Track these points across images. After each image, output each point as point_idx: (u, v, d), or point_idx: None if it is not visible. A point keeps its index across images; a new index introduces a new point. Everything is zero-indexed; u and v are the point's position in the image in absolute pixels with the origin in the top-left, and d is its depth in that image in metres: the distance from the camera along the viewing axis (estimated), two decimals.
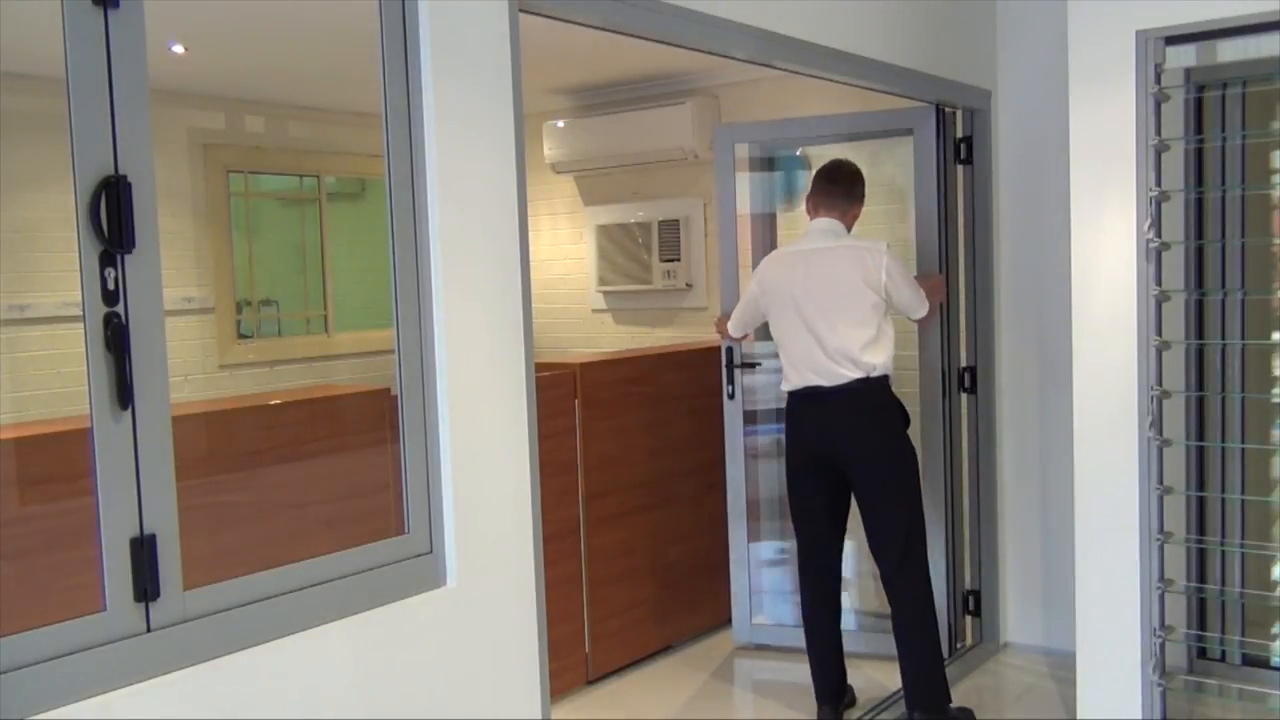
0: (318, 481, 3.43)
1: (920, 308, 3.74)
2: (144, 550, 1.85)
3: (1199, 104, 3.86)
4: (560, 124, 6.29)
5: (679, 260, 6.21)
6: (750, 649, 4.67)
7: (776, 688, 4.35)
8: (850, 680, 3.93)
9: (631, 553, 4.49)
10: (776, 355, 3.88)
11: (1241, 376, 3.90)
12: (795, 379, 3.69)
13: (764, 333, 4.05)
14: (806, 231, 3.81)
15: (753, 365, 4.61)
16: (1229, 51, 3.69)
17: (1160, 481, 3.29)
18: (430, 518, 2.34)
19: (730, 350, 4.53)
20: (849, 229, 3.77)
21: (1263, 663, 3.93)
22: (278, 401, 4.11)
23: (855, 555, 4.38)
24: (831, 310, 3.60)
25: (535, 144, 6.19)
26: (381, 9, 2.25)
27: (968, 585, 4.54)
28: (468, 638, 2.38)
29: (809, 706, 3.88)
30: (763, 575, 4.75)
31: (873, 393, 3.59)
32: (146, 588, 1.86)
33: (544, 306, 6.35)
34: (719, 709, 4.18)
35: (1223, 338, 3.91)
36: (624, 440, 4.46)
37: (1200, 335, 3.91)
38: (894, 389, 3.71)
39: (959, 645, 4.50)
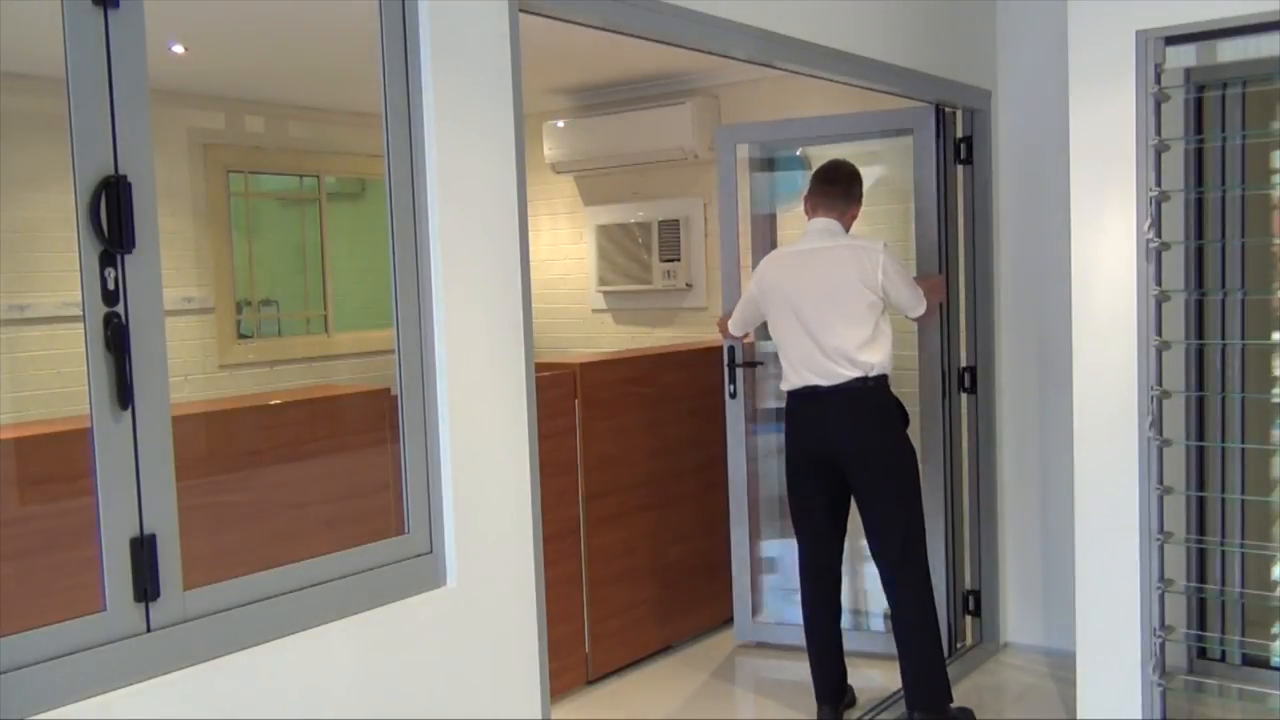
0: (318, 481, 3.44)
1: (918, 306, 3.74)
2: (144, 550, 1.85)
3: (1199, 104, 3.86)
4: (560, 124, 6.29)
5: (679, 260, 6.21)
6: (751, 647, 4.68)
7: (777, 687, 4.35)
8: (850, 680, 3.93)
9: (631, 553, 4.49)
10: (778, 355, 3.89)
11: (1241, 376, 3.90)
12: (794, 379, 3.69)
13: (766, 332, 4.05)
14: (805, 232, 3.81)
15: (753, 365, 4.61)
16: (1229, 51, 3.69)
17: (1160, 481, 3.29)
18: (430, 518, 2.34)
19: (732, 350, 4.54)
20: (847, 229, 3.77)
21: (1263, 663, 3.93)
22: (278, 401, 4.11)
23: (855, 555, 4.38)
24: (828, 310, 3.60)
25: (535, 144, 6.19)
26: (381, 9, 2.25)
27: (968, 585, 4.54)
28: (468, 638, 2.38)
29: (809, 706, 3.88)
30: (764, 573, 4.76)
31: (871, 392, 3.59)
32: (146, 588, 1.86)
33: (544, 306, 6.35)
34: (719, 709, 4.19)
35: (1223, 338, 3.91)
36: (624, 440, 4.46)
37: (1200, 335, 3.91)
38: (894, 389, 3.71)
39: (959, 645, 4.50)
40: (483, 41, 2.39)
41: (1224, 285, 3.90)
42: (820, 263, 3.67)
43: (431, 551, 2.33)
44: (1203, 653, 4.01)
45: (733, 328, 4.12)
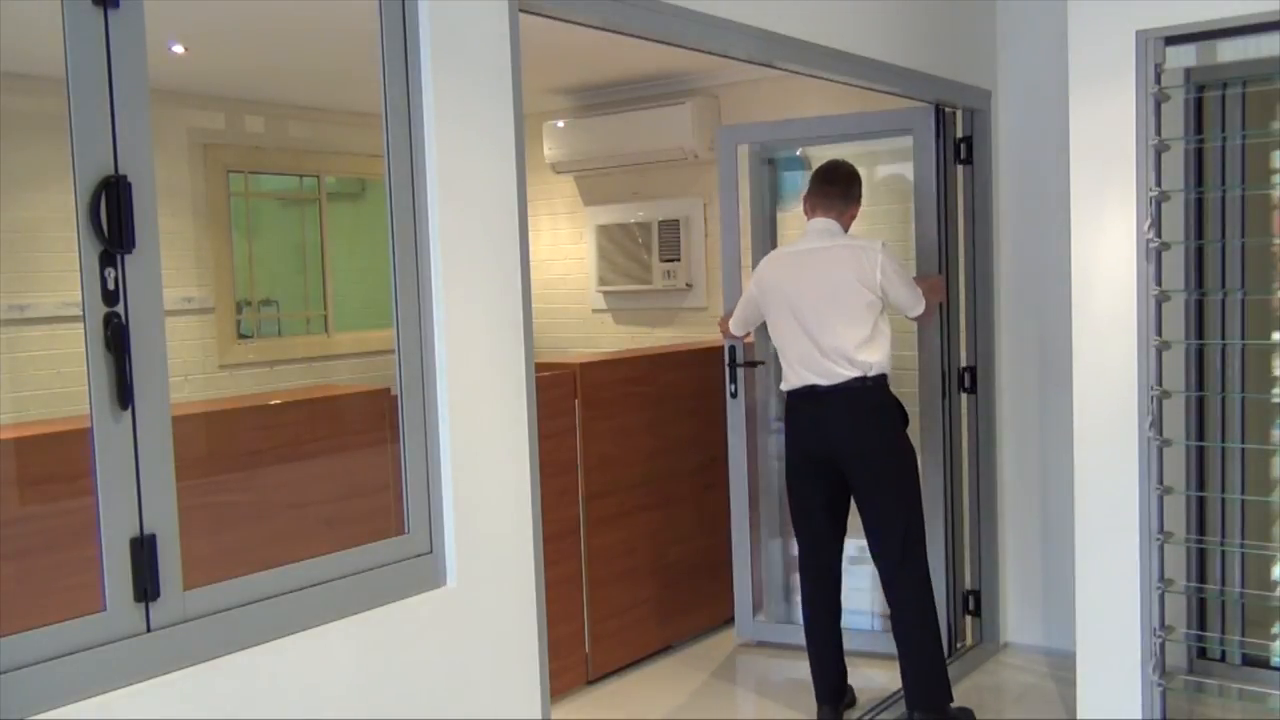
0: (318, 481, 3.44)
1: (916, 305, 3.74)
2: (144, 550, 1.85)
3: (1199, 104, 3.86)
4: (560, 124, 6.29)
5: (679, 260, 6.21)
6: (752, 646, 4.68)
7: (777, 686, 4.35)
8: (850, 680, 3.93)
9: (631, 553, 4.49)
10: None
11: (1241, 376, 3.90)
12: (793, 379, 3.70)
13: (766, 333, 4.05)
14: (804, 232, 3.81)
15: (754, 364, 4.62)
16: (1229, 51, 3.69)
17: (1160, 481, 3.29)
18: (430, 518, 2.34)
19: (733, 349, 4.54)
20: (846, 229, 3.78)
21: (1263, 663, 3.93)
22: (278, 401, 4.11)
23: (855, 555, 4.38)
24: (827, 309, 3.61)
25: (535, 144, 6.19)
26: (381, 9, 2.25)
27: (968, 585, 4.54)
28: (468, 638, 2.38)
29: (810, 705, 3.88)
30: (765, 572, 4.76)
31: (870, 392, 3.59)
32: (146, 588, 1.85)
33: (544, 306, 6.35)
34: (719, 708, 4.19)
35: (1223, 338, 3.91)
36: (624, 440, 4.46)
37: (1200, 335, 3.91)
38: (894, 389, 3.71)
39: (959, 645, 4.50)
40: (483, 41, 2.39)
41: (1224, 285, 3.90)
42: (819, 263, 3.67)
43: (431, 551, 2.33)
44: (1203, 653, 4.01)
45: (734, 327, 4.13)
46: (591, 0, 2.67)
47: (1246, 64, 3.69)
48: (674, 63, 5.51)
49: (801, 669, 3.91)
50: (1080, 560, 3.42)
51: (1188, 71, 3.72)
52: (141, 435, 1.85)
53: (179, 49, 4.64)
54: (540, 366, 3.23)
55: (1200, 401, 3.91)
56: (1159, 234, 3.24)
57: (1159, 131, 3.24)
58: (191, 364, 5.70)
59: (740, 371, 4.57)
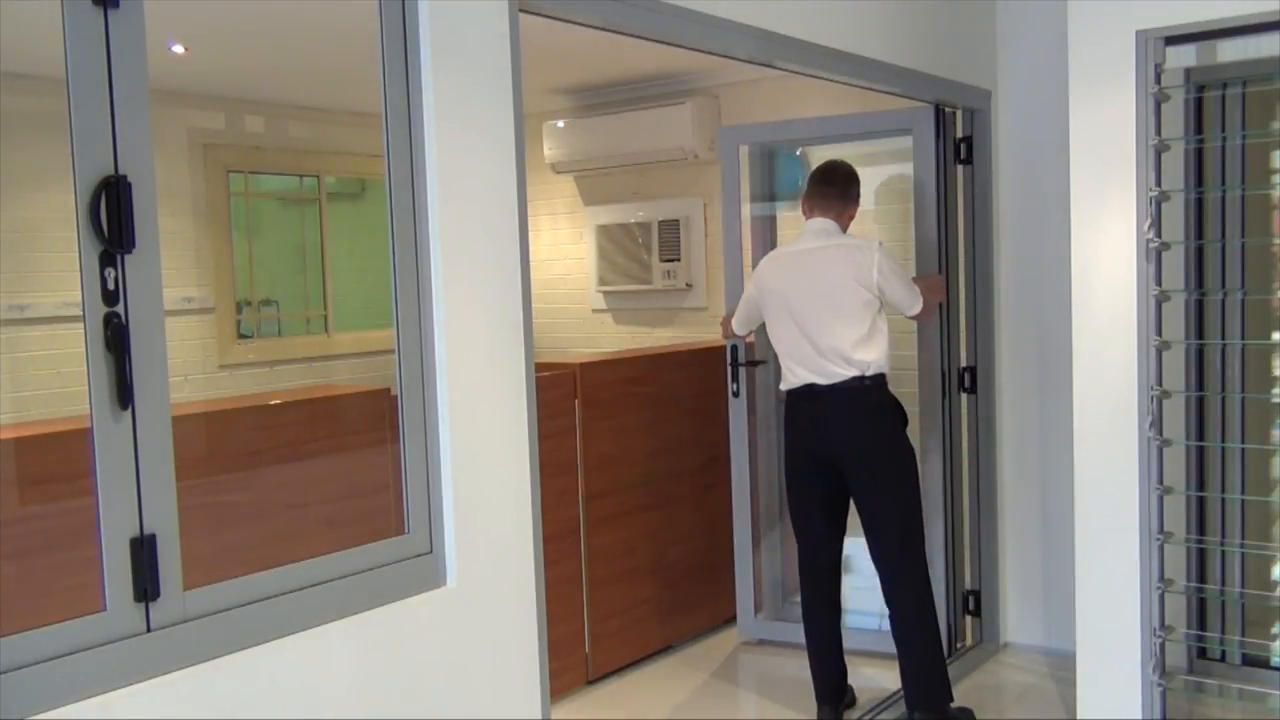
0: (318, 481, 3.44)
1: (914, 304, 3.73)
2: (144, 550, 1.85)
3: (1199, 104, 3.86)
4: (560, 124, 6.29)
5: (679, 260, 6.21)
6: (754, 644, 4.69)
7: (777, 686, 4.35)
8: (850, 680, 3.93)
9: (632, 553, 4.49)
10: None
11: (1241, 376, 3.90)
12: (792, 378, 3.70)
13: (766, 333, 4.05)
14: (802, 232, 3.82)
15: (756, 364, 4.62)
16: (1229, 51, 3.69)
17: (1160, 481, 3.29)
18: (430, 518, 2.34)
19: (734, 349, 4.55)
20: (845, 229, 3.78)
21: (1263, 663, 3.93)
22: (278, 401, 4.11)
23: (855, 555, 4.38)
24: (823, 309, 3.61)
25: (535, 144, 6.19)
26: (381, 9, 2.25)
27: (968, 585, 4.54)
28: (468, 638, 2.38)
29: (810, 705, 3.88)
30: (766, 571, 4.77)
31: (869, 391, 3.59)
32: (146, 588, 1.85)
33: (544, 306, 6.35)
34: (719, 708, 4.18)
35: (1223, 338, 3.91)
36: (624, 440, 4.46)
37: (1200, 335, 3.91)
38: (893, 389, 3.71)
39: (959, 645, 4.50)
40: (483, 41, 2.39)
41: (1224, 285, 3.90)
42: (816, 262, 3.68)
43: (431, 551, 2.33)
44: (1203, 653, 4.01)
45: (735, 326, 4.13)
46: (591, 0, 2.67)
47: (1246, 64, 3.69)
48: (674, 63, 5.51)
49: (802, 668, 3.91)
50: (1080, 560, 3.42)
51: (1188, 71, 3.72)
52: (141, 435, 1.85)
53: (179, 49, 4.64)
54: (540, 366, 3.23)
55: (1200, 401, 3.91)
56: (1159, 234, 3.24)
57: (1159, 131, 3.23)
58: (191, 364, 5.70)
59: (742, 371, 4.58)
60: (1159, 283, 3.26)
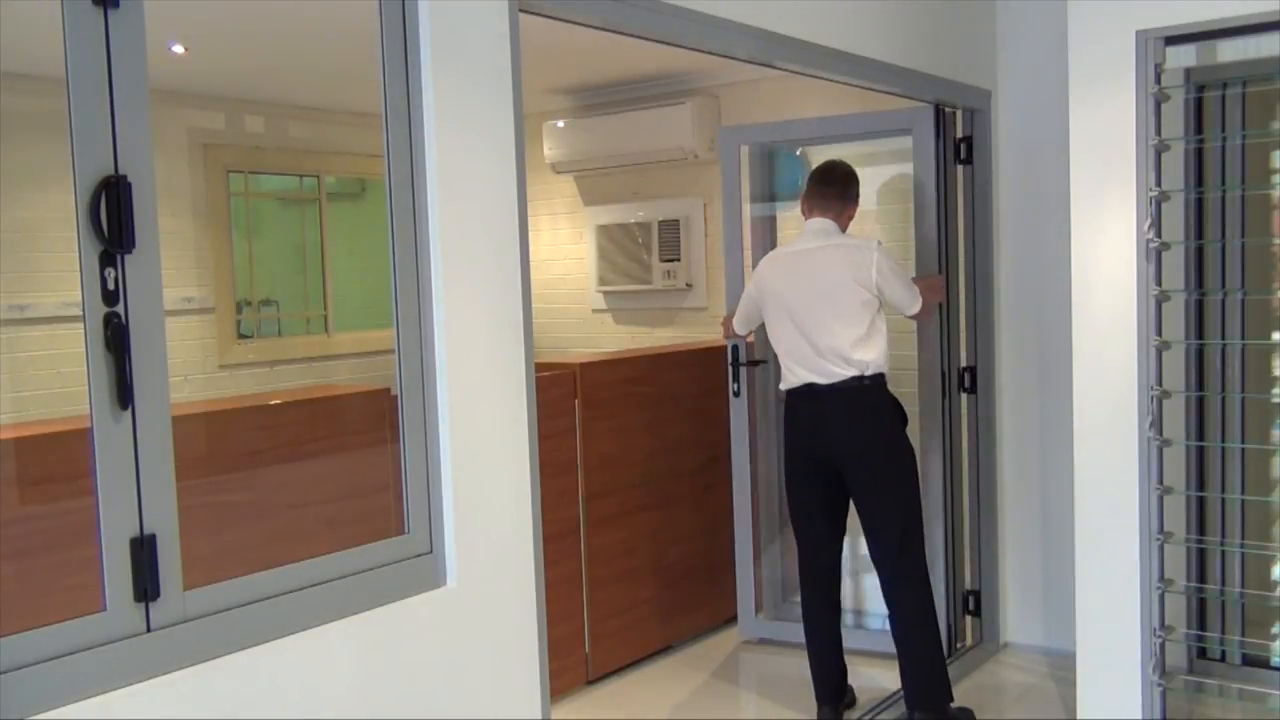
0: (318, 481, 3.44)
1: (913, 304, 3.73)
2: (144, 550, 1.85)
3: (1199, 104, 3.86)
4: (560, 124, 6.29)
5: (679, 260, 6.21)
6: (754, 643, 4.69)
7: (777, 686, 4.35)
8: (850, 680, 3.93)
9: (632, 553, 4.49)
10: None
11: (1241, 376, 3.90)
12: (791, 378, 3.70)
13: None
14: (801, 232, 3.82)
15: (757, 364, 4.62)
16: (1229, 51, 3.69)
17: (1160, 481, 3.29)
18: (430, 518, 2.34)
19: (736, 349, 4.55)
20: (844, 229, 3.78)
21: (1263, 663, 3.93)
22: (278, 401, 4.11)
23: (855, 554, 4.38)
24: (822, 309, 3.61)
25: (535, 144, 6.19)
26: (381, 9, 2.25)
27: (968, 585, 4.54)
28: (468, 638, 2.38)
29: (810, 705, 3.88)
30: (767, 570, 4.77)
31: (868, 391, 3.59)
32: (146, 588, 1.85)
33: (544, 306, 6.35)
34: (719, 708, 4.18)
35: (1223, 338, 3.91)
36: (624, 440, 4.46)
37: (1200, 335, 3.91)
38: (893, 389, 3.71)
39: (959, 645, 4.50)
40: (483, 41, 2.39)
41: (1224, 285, 3.90)
42: (814, 262, 3.68)
43: (431, 551, 2.33)
44: (1203, 653, 4.01)
45: (736, 326, 4.13)
46: (591, 0, 2.67)
47: (1246, 64, 3.69)
48: (674, 63, 5.51)
49: (802, 667, 3.91)
50: (1080, 560, 3.42)
51: (1188, 71, 3.72)
52: (141, 435, 1.85)
53: (179, 49, 4.64)
54: (540, 366, 3.23)
55: (1200, 401, 3.91)
56: (1159, 234, 3.24)
57: (1159, 131, 3.24)
58: (191, 364, 5.70)
59: (743, 371, 4.58)
60: (1159, 283, 3.26)
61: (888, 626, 3.72)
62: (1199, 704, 3.85)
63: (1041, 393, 4.44)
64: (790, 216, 4.89)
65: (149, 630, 1.86)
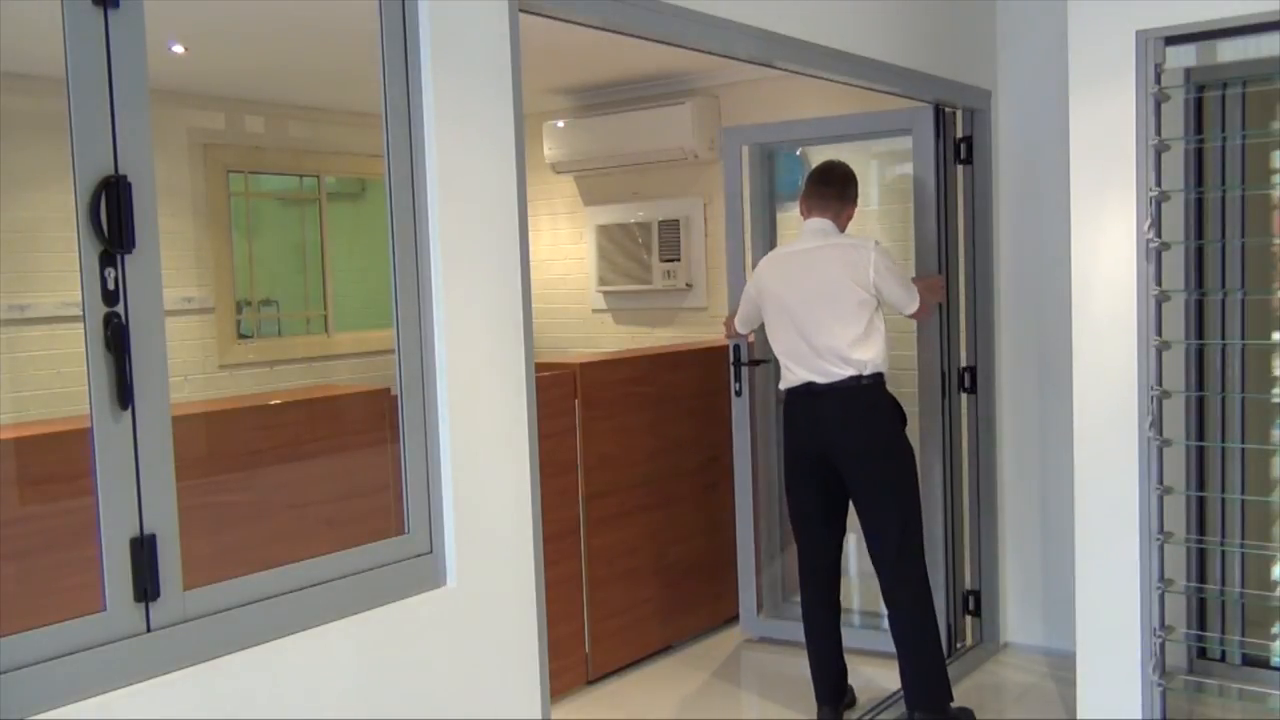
0: (318, 481, 3.44)
1: (911, 303, 3.73)
2: (144, 550, 1.85)
3: (1199, 104, 3.86)
4: (560, 124, 6.29)
5: (679, 260, 6.21)
6: (755, 642, 4.69)
7: (778, 685, 4.35)
8: (850, 680, 3.93)
9: (632, 552, 4.49)
10: None
11: (1241, 376, 3.90)
12: (791, 377, 3.70)
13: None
14: (800, 232, 3.82)
15: (758, 363, 4.62)
16: (1229, 51, 3.69)
17: (1160, 481, 3.29)
18: (430, 518, 2.34)
19: (737, 348, 4.56)
20: (842, 229, 3.78)
21: (1263, 663, 3.93)
22: (278, 401, 4.11)
23: (856, 554, 4.38)
24: (821, 308, 3.61)
25: (535, 144, 6.19)
26: (381, 9, 2.25)
27: (968, 585, 4.54)
28: (468, 638, 2.38)
29: (810, 705, 3.88)
30: (769, 569, 4.77)
31: (867, 390, 3.59)
32: (146, 588, 1.85)
33: (544, 306, 6.35)
34: (719, 708, 4.18)
35: (1223, 338, 3.91)
36: (624, 440, 4.46)
37: (1200, 335, 3.91)
38: (893, 389, 3.71)
39: (959, 645, 4.50)
40: (483, 41, 2.39)
41: (1224, 285, 3.90)
42: (812, 262, 3.68)
43: (431, 551, 2.33)
44: (1203, 653, 4.01)
45: (738, 326, 4.13)
46: (591, 0, 2.67)
47: (1246, 64, 3.69)
48: (674, 63, 5.51)
49: (803, 667, 3.91)
50: (1080, 560, 3.42)
51: (1188, 71, 3.72)
52: (141, 435, 1.85)
53: (179, 49, 4.64)
54: (540, 366, 3.23)
55: (1200, 401, 3.90)
56: (1159, 234, 3.24)
57: (1159, 131, 3.24)
58: (191, 364, 5.70)
59: (745, 370, 4.58)
60: (1159, 283, 3.26)
61: (887, 626, 3.72)
62: (1199, 704, 3.85)
63: (1041, 393, 4.44)
64: (789, 216, 4.89)
65: (149, 630, 1.86)
